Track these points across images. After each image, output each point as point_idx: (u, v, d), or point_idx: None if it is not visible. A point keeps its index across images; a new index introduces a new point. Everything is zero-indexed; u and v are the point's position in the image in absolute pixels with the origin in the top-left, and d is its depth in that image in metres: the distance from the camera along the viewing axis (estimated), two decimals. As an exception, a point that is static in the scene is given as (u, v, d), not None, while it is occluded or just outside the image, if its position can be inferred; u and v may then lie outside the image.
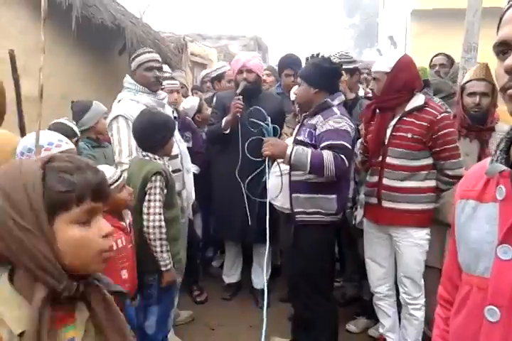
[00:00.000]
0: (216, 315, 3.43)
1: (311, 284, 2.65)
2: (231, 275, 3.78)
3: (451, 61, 3.80)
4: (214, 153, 3.39)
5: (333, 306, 2.78)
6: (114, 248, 2.04)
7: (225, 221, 3.49)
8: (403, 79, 2.53)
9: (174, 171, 2.78)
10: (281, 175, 2.65)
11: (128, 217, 2.22)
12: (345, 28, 27.29)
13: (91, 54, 4.84)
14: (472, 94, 2.72)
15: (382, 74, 2.56)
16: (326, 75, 2.60)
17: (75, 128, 2.86)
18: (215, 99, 3.70)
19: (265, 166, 2.70)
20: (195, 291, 3.64)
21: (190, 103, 3.77)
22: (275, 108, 3.39)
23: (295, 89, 2.89)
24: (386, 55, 2.67)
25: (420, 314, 2.66)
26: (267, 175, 2.70)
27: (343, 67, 3.33)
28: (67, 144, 2.11)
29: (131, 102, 2.82)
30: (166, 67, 3.99)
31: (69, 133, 2.69)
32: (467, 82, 2.76)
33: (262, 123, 2.69)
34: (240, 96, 3.32)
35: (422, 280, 2.66)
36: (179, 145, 2.94)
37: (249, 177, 2.84)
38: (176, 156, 2.89)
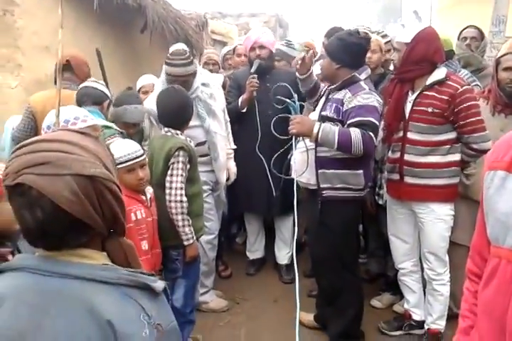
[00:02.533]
0: (241, 290, 3.49)
1: (338, 260, 2.66)
2: (255, 251, 3.83)
3: (481, 34, 3.67)
4: (233, 132, 3.41)
5: (358, 282, 2.80)
6: (133, 219, 2.10)
7: (248, 194, 3.50)
8: (422, 51, 2.47)
9: (202, 156, 2.84)
10: (307, 150, 2.62)
11: (149, 192, 2.26)
12: (367, 3, 26.57)
13: (113, 32, 4.85)
14: (508, 68, 2.61)
15: (403, 44, 2.52)
16: (350, 51, 2.53)
17: (107, 92, 2.83)
18: (231, 78, 3.69)
19: (291, 144, 2.66)
20: (220, 266, 3.70)
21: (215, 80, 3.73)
22: (291, 83, 3.35)
23: (321, 62, 2.84)
24: (410, 26, 2.60)
25: (445, 289, 2.66)
26: (293, 152, 2.67)
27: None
28: (92, 120, 2.15)
29: None
30: None
31: (101, 98, 2.72)
32: (503, 55, 2.66)
33: (288, 100, 2.66)
34: (255, 75, 3.32)
35: (447, 256, 2.65)
36: (212, 135, 2.96)
37: (274, 156, 2.82)
38: (203, 143, 2.93)
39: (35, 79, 3.74)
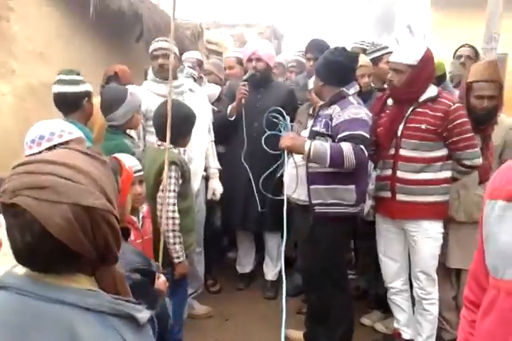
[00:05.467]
0: (229, 305, 3.44)
1: (327, 277, 2.64)
2: (244, 265, 3.80)
3: (476, 53, 3.71)
4: (220, 140, 3.40)
5: (348, 299, 2.77)
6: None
7: (238, 210, 3.47)
8: (429, 73, 2.54)
9: None
10: (297, 166, 2.62)
11: (142, 211, 2.20)
12: (361, 16, 26.89)
13: (108, 41, 4.82)
14: (480, 97, 2.64)
15: (406, 66, 2.50)
16: (333, 68, 2.56)
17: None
18: (227, 87, 3.70)
19: (281, 160, 2.68)
20: (209, 281, 3.66)
21: (211, 90, 3.70)
22: (284, 98, 3.37)
23: (313, 78, 2.86)
24: (408, 46, 2.60)
25: (434, 309, 2.66)
26: (285, 168, 2.67)
27: (370, 56, 3.24)
28: (69, 135, 1.98)
29: (145, 92, 2.96)
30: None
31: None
32: (475, 81, 2.67)
33: (281, 118, 2.67)
34: (245, 83, 3.31)
35: (436, 275, 2.65)
36: None
37: (263, 176, 2.81)
38: None
39: (28, 86, 3.70)
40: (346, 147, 2.38)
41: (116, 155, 2.04)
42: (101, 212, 0.85)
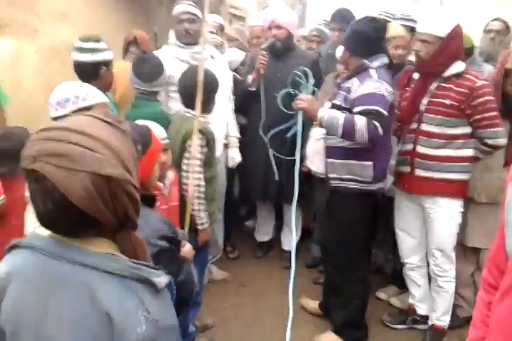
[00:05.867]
0: (247, 272, 3.51)
1: (343, 250, 2.65)
2: (263, 234, 3.83)
3: (507, 28, 3.56)
4: (239, 110, 3.37)
5: (364, 273, 2.78)
6: None
7: (257, 181, 3.46)
8: (457, 47, 2.44)
9: None
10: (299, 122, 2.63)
11: (169, 178, 2.21)
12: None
13: (130, 3, 4.72)
14: None
15: (436, 38, 2.40)
16: (359, 39, 2.48)
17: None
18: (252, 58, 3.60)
19: (296, 119, 2.66)
20: (228, 247, 3.71)
21: (234, 56, 3.61)
22: (308, 67, 3.26)
23: (341, 48, 2.79)
24: (438, 17, 2.46)
25: (450, 286, 2.66)
26: (298, 128, 2.64)
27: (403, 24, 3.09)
28: (94, 98, 1.97)
29: (167, 57, 2.91)
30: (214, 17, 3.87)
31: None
32: None
33: (303, 81, 2.64)
34: (264, 52, 3.21)
35: (453, 253, 2.64)
36: None
37: (273, 132, 2.81)
38: None
39: (51, 47, 3.65)
40: (360, 121, 2.34)
41: (144, 122, 2.03)
42: (119, 181, 0.86)
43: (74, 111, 1.86)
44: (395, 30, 2.98)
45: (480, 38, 3.59)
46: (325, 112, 2.43)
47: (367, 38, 2.48)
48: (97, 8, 4.13)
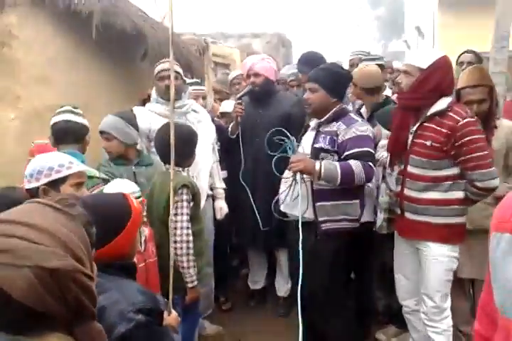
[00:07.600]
0: (241, 324, 3.40)
1: (327, 294, 2.60)
2: (256, 282, 3.75)
3: (478, 59, 3.67)
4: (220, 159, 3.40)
5: (349, 318, 2.72)
6: None
7: (244, 229, 3.47)
8: (438, 80, 2.34)
9: None
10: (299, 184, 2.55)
11: (144, 234, 2.19)
12: (370, 21, 26.89)
13: (112, 61, 4.84)
14: (468, 102, 2.56)
15: (416, 69, 2.36)
16: (341, 83, 2.61)
17: (86, 123, 2.68)
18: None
19: (295, 182, 2.57)
20: (221, 298, 3.62)
21: (230, 107, 3.64)
22: (287, 111, 3.32)
23: (308, 94, 2.69)
24: (423, 50, 2.55)
25: (441, 339, 2.45)
26: (299, 191, 2.54)
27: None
28: (77, 166, 1.98)
29: (147, 112, 3.01)
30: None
31: (83, 133, 2.58)
32: (462, 88, 2.61)
33: (286, 140, 2.61)
34: (240, 101, 3.32)
35: (447, 303, 2.46)
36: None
37: (275, 198, 2.73)
38: None
39: (33, 110, 3.73)
40: (355, 165, 2.43)
41: (115, 185, 2.04)
42: (68, 273, 0.83)
43: (46, 184, 1.86)
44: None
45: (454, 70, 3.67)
46: (320, 166, 2.45)
47: (347, 81, 2.67)
48: (78, 69, 4.25)
